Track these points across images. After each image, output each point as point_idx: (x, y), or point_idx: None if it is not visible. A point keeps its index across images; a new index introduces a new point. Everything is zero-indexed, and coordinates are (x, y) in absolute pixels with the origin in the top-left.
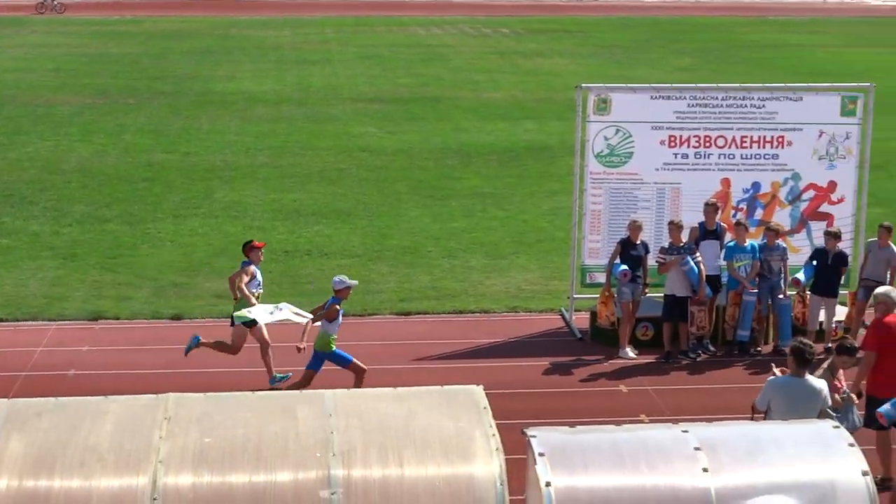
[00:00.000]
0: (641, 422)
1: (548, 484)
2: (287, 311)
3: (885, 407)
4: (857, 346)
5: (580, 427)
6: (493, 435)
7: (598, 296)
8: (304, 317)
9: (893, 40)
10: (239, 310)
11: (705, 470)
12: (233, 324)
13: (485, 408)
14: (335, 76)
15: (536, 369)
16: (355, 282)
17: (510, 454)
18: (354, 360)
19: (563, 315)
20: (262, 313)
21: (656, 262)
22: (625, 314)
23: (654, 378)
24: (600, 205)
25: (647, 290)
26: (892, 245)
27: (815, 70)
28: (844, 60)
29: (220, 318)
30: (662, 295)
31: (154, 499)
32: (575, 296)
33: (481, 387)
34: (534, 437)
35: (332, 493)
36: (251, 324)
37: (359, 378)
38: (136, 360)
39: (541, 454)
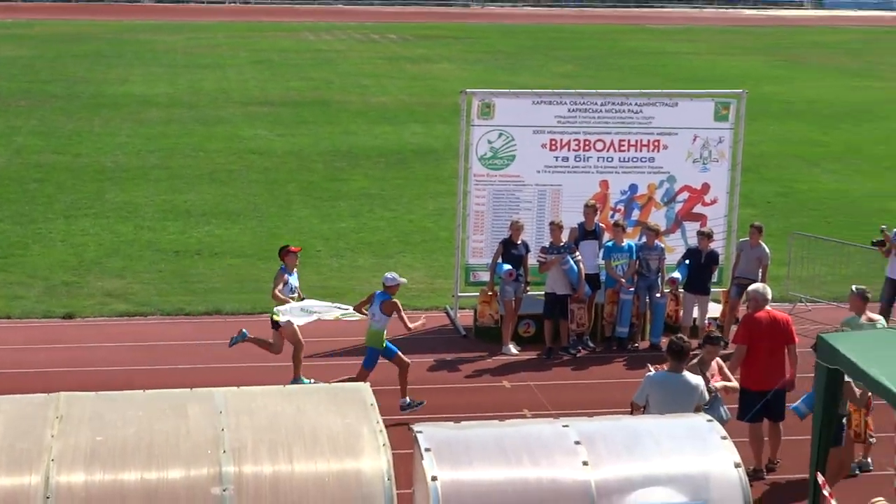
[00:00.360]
0: (524, 416)
1: (434, 478)
2: (325, 313)
3: (798, 403)
4: (720, 335)
5: (465, 422)
6: (381, 431)
7: (479, 294)
8: (349, 313)
9: (765, 48)
10: (275, 314)
11: (585, 463)
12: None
13: (372, 404)
14: (227, 80)
15: (422, 366)
16: (405, 280)
17: (397, 449)
18: (398, 352)
19: (447, 313)
20: (295, 314)
21: (537, 261)
22: (507, 312)
23: (535, 374)
24: (483, 206)
25: (528, 289)
26: (762, 244)
27: (691, 77)
28: (718, 67)
29: (111, 317)
30: (543, 293)
31: (47, 497)
32: (459, 294)
33: (368, 384)
34: (420, 432)
35: (224, 490)
36: (276, 326)
37: (403, 372)
38: (28, 358)
39: (427, 449)
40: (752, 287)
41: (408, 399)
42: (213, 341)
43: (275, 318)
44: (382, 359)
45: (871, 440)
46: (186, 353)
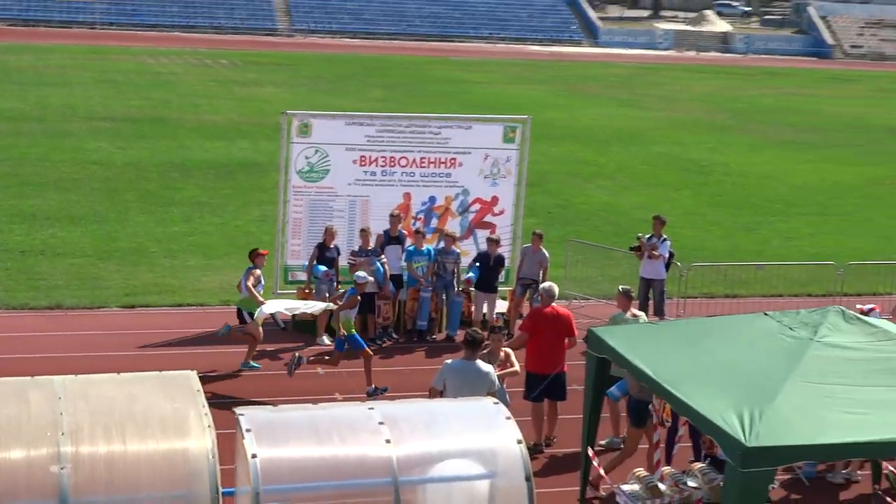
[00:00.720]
0: (336, 399)
1: (254, 456)
2: (300, 306)
3: (612, 389)
4: (503, 326)
5: (282, 406)
6: (206, 414)
7: (296, 291)
8: (318, 306)
9: (548, 80)
10: (245, 306)
11: (388, 441)
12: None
13: (198, 390)
14: (72, 97)
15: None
16: (371, 278)
17: (221, 430)
18: (367, 348)
19: None
20: (274, 307)
21: (348, 263)
22: None
23: (346, 362)
24: (301, 214)
25: (339, 287)
26: (543, 249)
27: (484, 103)
28: (507, 95)
29: None
30: None
31: None
32: (279, 291)
33: (195, 371)
34: (242, 415)
35: (62, 468)
36: (250, 316)
37: (367, 363)
38: None
39: (248, 430)
40: (543, 285)
41: (373, 386)
42: (55, 333)
43: (252, 311)
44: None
45: (666, 423)
46: (30, 344)
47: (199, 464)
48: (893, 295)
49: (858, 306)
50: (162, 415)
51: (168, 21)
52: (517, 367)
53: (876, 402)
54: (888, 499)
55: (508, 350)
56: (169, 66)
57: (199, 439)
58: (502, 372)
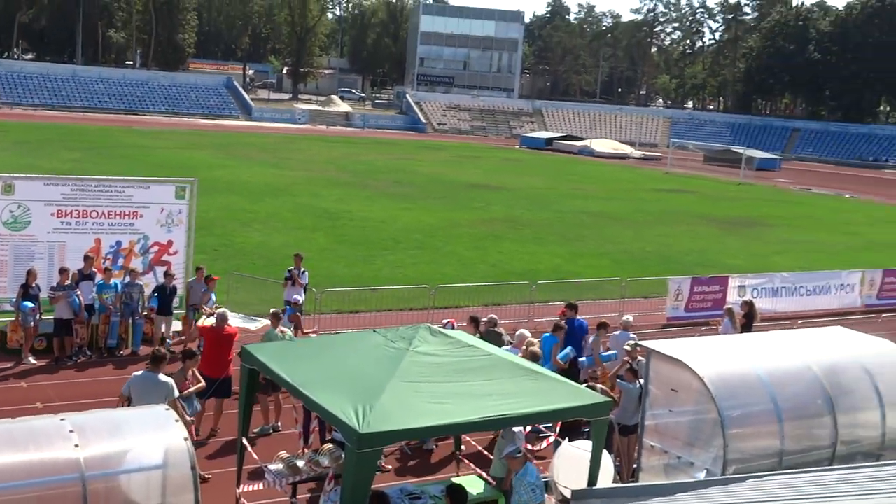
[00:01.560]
0: (38, 410)
1: None
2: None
3: None
4: (195, 351)
5: None
6: None
7: (7, 321)
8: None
9: (212, 145)
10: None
11: (77, 446)
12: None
13: None
14: None
15: None
16: (301, 297)
17: None
18: None
19: None
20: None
21: (48, 296)
22: (27, 334)
23: (49, 376)
24: (7, 257)
25: (41, 317)
26: (203, 282)
27: (162, 163)
28: (181, 158)
29: None
30: (53, 318)
31: None
32: None
33: None
34: None
35: None
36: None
37: None
38: None
39: None
40: (218, 311)
41: None
42: None
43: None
44: None
45: None
46: None
47: None
48: (470, 307)
49: (444, 321)
50: None
51: None
52: (203, 382)
53: (453, 394)
54: (465, 460)
55: (195, 369)
56: None
57: None
58: (194, 388)
